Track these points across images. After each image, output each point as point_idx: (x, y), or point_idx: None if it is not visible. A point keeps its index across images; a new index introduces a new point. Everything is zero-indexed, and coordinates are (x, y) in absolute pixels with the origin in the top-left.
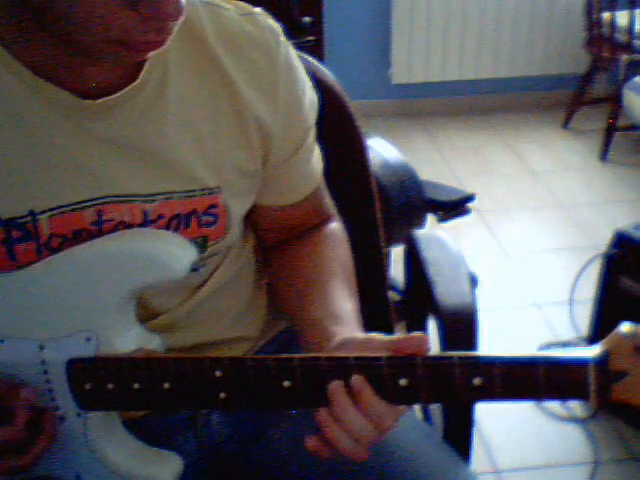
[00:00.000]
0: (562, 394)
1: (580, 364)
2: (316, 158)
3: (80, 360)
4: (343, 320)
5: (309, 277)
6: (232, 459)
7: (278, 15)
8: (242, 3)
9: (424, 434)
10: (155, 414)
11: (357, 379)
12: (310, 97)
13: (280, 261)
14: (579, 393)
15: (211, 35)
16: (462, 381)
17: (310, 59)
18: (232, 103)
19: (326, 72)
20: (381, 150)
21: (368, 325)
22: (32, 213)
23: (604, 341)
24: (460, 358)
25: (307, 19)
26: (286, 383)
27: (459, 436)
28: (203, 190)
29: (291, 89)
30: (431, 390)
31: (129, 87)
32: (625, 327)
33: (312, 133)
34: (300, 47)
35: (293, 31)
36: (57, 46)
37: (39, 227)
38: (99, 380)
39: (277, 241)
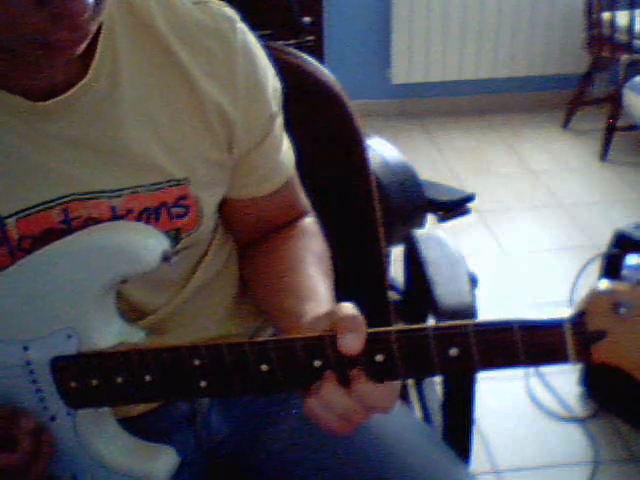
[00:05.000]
0: (541, 358)
1: (555, 326)
2: (286, 150)
3: (63, 358)
4: (311, 299)
5: (279, 270)
6: (231, 458)
7: (278, 15)
8: None
9: (424, 434)
10: (152, 412)
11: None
12: (273, 84)
13: (253, 259)
14: (558, 356)
15: (162, 25)
16: (439, 352)
17: (310, 59)
18: (189, 93)
19: (326, 72)
20: (381, 150)
21: (368, 325)
22: None
23: (580, 300)
24: (435, 329)
25: (307, 19)
26: (264, 367)
27: (459, 436)
28: (170, 182)
29: (251, 75)
30: (408, 364)
31: (78, 85)
32: (603, 284)
33: (278, 122)
34: (300, 47)
35: (293, 31)
36: None
37: (8, 231)
38: (83, 377)
39: (252, 240)
